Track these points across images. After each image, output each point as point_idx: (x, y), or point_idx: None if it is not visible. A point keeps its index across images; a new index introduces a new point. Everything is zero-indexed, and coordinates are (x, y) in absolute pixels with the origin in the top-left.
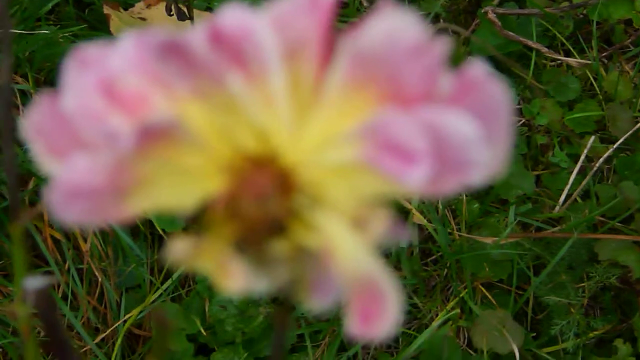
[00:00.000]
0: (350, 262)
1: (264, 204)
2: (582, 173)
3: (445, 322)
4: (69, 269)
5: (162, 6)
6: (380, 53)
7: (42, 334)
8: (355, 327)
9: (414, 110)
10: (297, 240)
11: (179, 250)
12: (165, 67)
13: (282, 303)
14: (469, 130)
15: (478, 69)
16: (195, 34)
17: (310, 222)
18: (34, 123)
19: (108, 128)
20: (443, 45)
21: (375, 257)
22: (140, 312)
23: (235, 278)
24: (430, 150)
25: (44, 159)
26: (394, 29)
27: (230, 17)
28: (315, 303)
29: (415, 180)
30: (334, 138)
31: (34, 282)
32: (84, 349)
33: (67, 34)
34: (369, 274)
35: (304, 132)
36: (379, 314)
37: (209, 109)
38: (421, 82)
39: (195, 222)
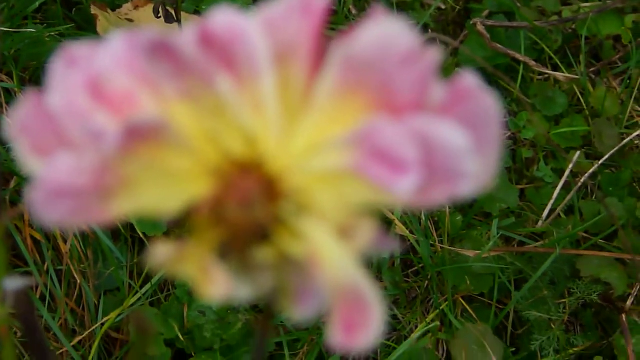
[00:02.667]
0: (335, 271)
1: (250, 209)
2: (567, 188)
3: (424, 334)
4: (47, 270)
5: (149, 8)
6: (371, 59)
7: (19, 334)
8: (338, 336)
9: (404, 118)
10: (282, 247)
11: (162, 255)
12: (154, 67)
13: (263, 310)
14: (459, 141)
15: (469, 79)
16: (185, 35)
17: (295, 230)
18: (19, 121)
19: (94, 127)
20: (435, 54)
21: (360, 266)
22: (119, 315)
23: (218, 284)
24: (419, 159)
25: (27, 157)
26: (386, 36)
27: (221, 19)
28: (298, 312)
29: (404, 189)
30: (323, 144)
31: (13, 283)
32: (61, 351)
33: (53, 33)
34: (353, 283)
35: (293, 138)
36: (362, 324)
37: (197, 111)
38: (412, 91)
39: (179, 226)
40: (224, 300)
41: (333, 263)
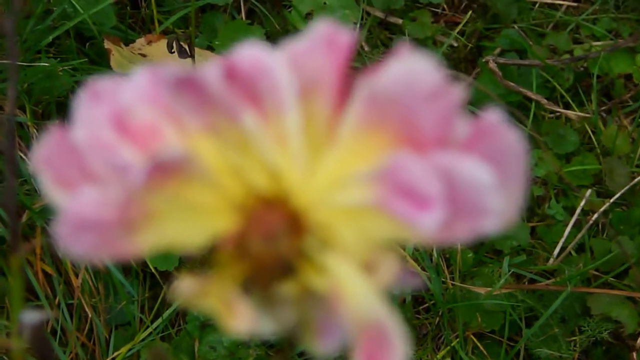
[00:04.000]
0: (359, 306)
1: (274, 244)
2: (578, 226)
3: None
4: (59, 304)
5: (163, 43)
6: (396, 95)
7: None
8: None
9: (428, 154)
10: (306, 282)
11: (186, 288)
12: (178, 101)
13: (278, 346)
14: (484, 177)
15: (494, 115)
16: (210, 69)
17: (319, 264)
18: (43, 154)
19: (119, 161)
20: (460, 91)
21: (384, 302)
22: (129, 349)
23: (242, 318)
24: (444, 195)
25: (51, 190)
26: (411, 72)
27: (246, 54)
28: (320, 346)
29: (428, 225)
30: (347, 180)
31: (30, 317)
32: None
33: (66, 67)
34: (377, 318)
35: (317, 173)
36: (386, 359)
37: (221, 145)
38: (437, 127)
39: (193, 261)
40: (248, 334)
41: (356, 298)
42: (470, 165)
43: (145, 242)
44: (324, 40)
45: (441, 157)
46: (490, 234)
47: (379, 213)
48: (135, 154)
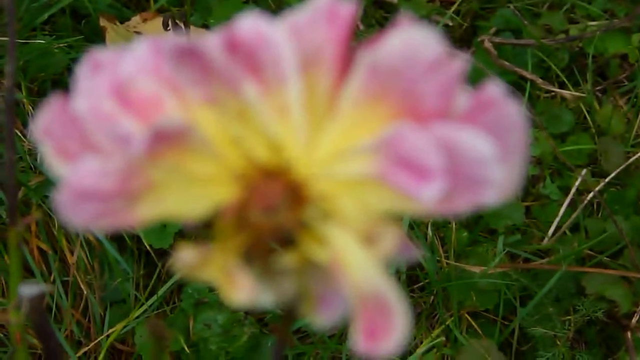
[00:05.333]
0: (359, 276)
1: (274, 215)
2: (572, 206)
3: (429, 350)
4: (54, 281)
5: (158, 21)
6: (397, 67)
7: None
8: (361, 342)
9: (429, 126)
10: (306, 253)
11: (187, 259)
12: (179, 72)
13: (281, 321)
14: (484, 148)
15: (494, 87)
16: (211, 40)
17: (320, 236)
18: (44, 124)
19: (120, 131)
20: (461, 62)
21: (385, 273)
22: (124, 327)
23: (242, 289)
24: (444, 167)
25: (52, 160)
26: (412, 43)
27: (247, 25)
28: (321, 317)
29: (429, 197)
30: (348, 151)
31: (28, 290)
32: None
33: (62, 45)
34: (377, 289)
35: (318, 144)
36: (385, 330)
37: (222, 116)
38: (438, 98)
39: (184, 236)
40: (249, 304)
41: (357, 269)
42: (471, 137)
43: (146, 213)
44: (325, 11)
45: (442, 128)
46: (488, 208)
47: (379, 184)
48: (136, 125)
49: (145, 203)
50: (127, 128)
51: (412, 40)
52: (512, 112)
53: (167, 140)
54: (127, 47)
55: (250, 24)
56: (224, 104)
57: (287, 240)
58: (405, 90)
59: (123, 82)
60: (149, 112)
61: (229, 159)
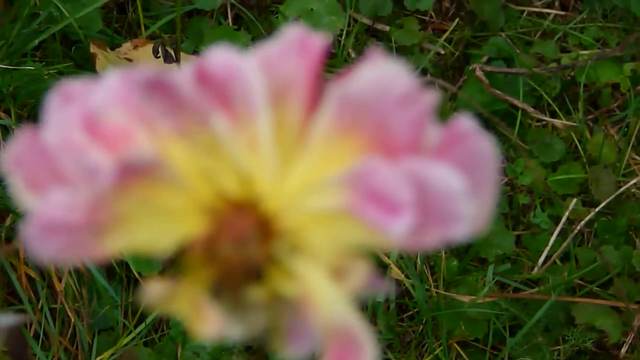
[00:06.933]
0: (328, 311)
1: (243, 248)
2: (563, 235)
3: None
4: (42, 308)
5: (149, 48)
6: (368, 100)
7: None
8: None
9: (399, 160)
10: (275, 287)
11: (155, 293)
12: (149, 104)
13: (256, 352)
14: (454, 183)
15: (465, 122)
16: (182, 73)
17: (289, 270)
18: (14, 155)
19: (88, 163)
20: (432, 96)
21: (353, 308)
22: (112, 354)
23: (210, 323)
24: (414, 201)
25: (22, 192)
26: (383, 77)
27: (217, 57)
28: (290, 351)
29: (398, 231)
30: (318, 184)
31: (6, 319)
32: None
33: (52, 71)
34: (346, 324)
35: (288, 178)
36: None
37: (192, 149)
38: (408, 132)
39: (171, 264)
40: (216, 339)
41: (326, 303)
42: (441, 172)
43: (114, 245)
44: (296, 44)
45: (412, 162)
46: (469, 241)
47: (349, 218)
48: (105, 157)
49: (114, 235)
50: (96, 160)
51: (383, 74)
52: (483, 146)
53: (135, 172)
54: (98, 78)
55: (221, 57)
56: (193, 136)
57: (256, 274)
58: (376, 124)
59: (93, 114)
60: (119, 144)
61: (199, 191)
